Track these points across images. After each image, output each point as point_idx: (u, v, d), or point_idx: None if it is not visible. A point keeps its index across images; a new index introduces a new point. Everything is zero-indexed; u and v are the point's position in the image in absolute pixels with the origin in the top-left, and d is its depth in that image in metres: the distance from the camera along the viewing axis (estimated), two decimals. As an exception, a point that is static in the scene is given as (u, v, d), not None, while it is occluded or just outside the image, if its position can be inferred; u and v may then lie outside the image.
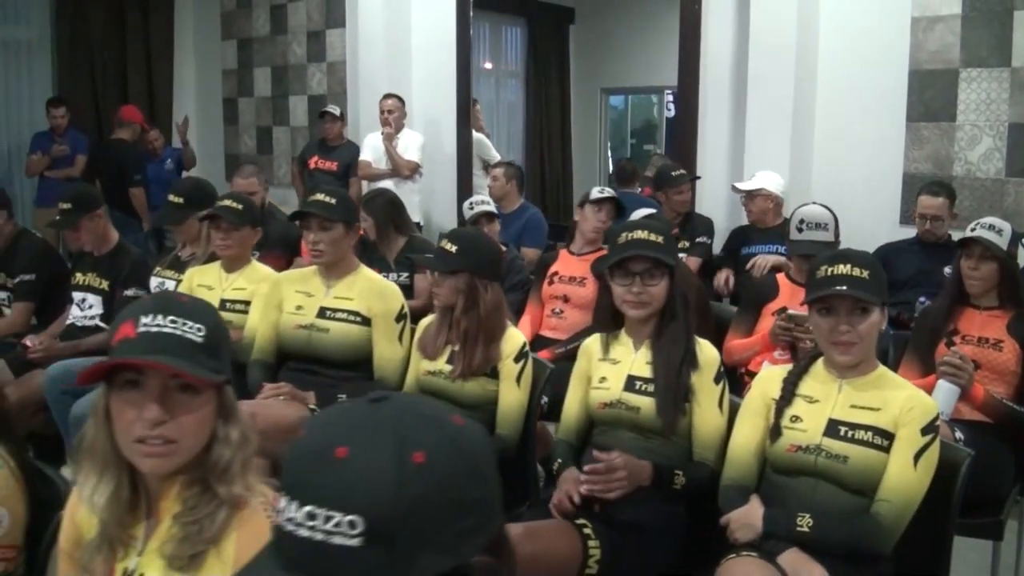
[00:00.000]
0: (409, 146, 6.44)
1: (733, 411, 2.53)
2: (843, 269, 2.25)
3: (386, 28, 6.93)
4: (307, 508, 0.84)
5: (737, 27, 5.53)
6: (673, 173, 5.09)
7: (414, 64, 6.97)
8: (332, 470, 0.85)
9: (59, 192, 7.40)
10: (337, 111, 6.98)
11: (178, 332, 1.43)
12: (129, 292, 4.16)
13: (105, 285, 4.24)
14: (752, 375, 3.42)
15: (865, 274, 2.25)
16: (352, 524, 0.83)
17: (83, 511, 1.56)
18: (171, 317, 1.44)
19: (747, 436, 2.39)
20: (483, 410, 2.84)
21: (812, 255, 3.46)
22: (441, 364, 2.94)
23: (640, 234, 2.57)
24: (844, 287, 2.23)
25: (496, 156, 7.23)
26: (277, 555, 0.87)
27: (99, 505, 1.48)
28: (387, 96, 6.47)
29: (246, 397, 3.22)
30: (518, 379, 2.84)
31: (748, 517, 2.24)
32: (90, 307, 4.26)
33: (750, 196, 4.86)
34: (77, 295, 4.31)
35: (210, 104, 9.01)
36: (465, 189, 6.88)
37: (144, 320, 1.43)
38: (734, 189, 5.05)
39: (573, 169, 11.33)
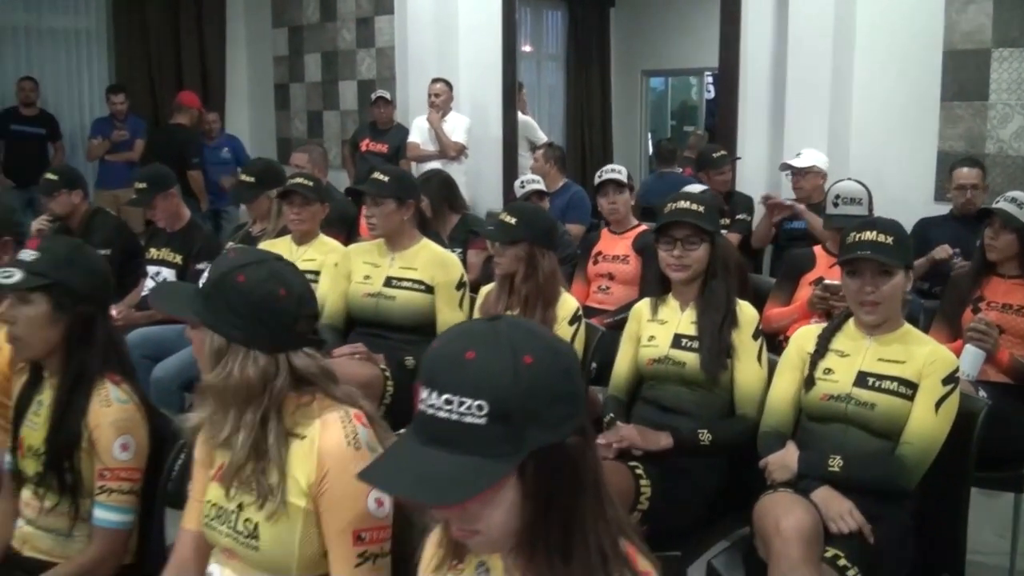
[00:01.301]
0: (456, 128, 6.69)
1: (772, 368, 2.77)
2: (869, 235, 2.47)
3: (434, 14, 7.17)
4: (445, 396, 1.11)
5: (776, 9, 5.71)
6: (715, 155, 5.29)
7: (461, 48, 7.18)
8: (464, 368, 1.12)
9: (119, 175, 7.79)
10: (389, 96, 7.26)
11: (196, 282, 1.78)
12: (200, 266, 4.44)
13: (179, 259, 4.52)
14: (790, 341, 3.64)
15: (889, 240, 2.46)
16: (480, 407, 1.10)
17: None
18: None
19: (784, 387, 2.62)
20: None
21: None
22: (501, 328, 3.18)
23: (683, 204, 2.81)
24: (868, 252, 2.45)
25: (543, 137, 7.47)
26: (418, 433, 1.13)
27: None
28: (435, 80, 6.72)
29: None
30: (572, 340, 3.08)
31: (784, 459, 2.48)
32: (164, 280, 4.55)
33: (801, 174, 5.02)
34: (151, 268, 4.59)
35: (262, 90, 9.32)
36: (511, 170, 7.13)
37: None
38: (784, 167, 5.19)
39: (614, 151, 11.50)
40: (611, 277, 4.34)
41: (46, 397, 2.16)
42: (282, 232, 4.22)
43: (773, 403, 2.64)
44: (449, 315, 3.53)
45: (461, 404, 1.10)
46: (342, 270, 3.69)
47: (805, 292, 3.75)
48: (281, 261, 1.80)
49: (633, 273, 4.28)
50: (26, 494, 2.18)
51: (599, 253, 4.44)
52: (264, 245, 4.11)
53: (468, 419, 1.10)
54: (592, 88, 11.33)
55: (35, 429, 2.16)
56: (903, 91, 5.38)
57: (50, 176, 4.92)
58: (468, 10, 7.17)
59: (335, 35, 8.44)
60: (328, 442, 1.65)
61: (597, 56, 11.35)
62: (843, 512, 2.33)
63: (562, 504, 1.16)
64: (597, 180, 4.48)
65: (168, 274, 4.54)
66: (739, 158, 5.70)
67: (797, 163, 5.07)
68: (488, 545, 1.21)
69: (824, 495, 2.37)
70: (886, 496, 2.40)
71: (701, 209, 2.79)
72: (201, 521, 1.80)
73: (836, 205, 3.82)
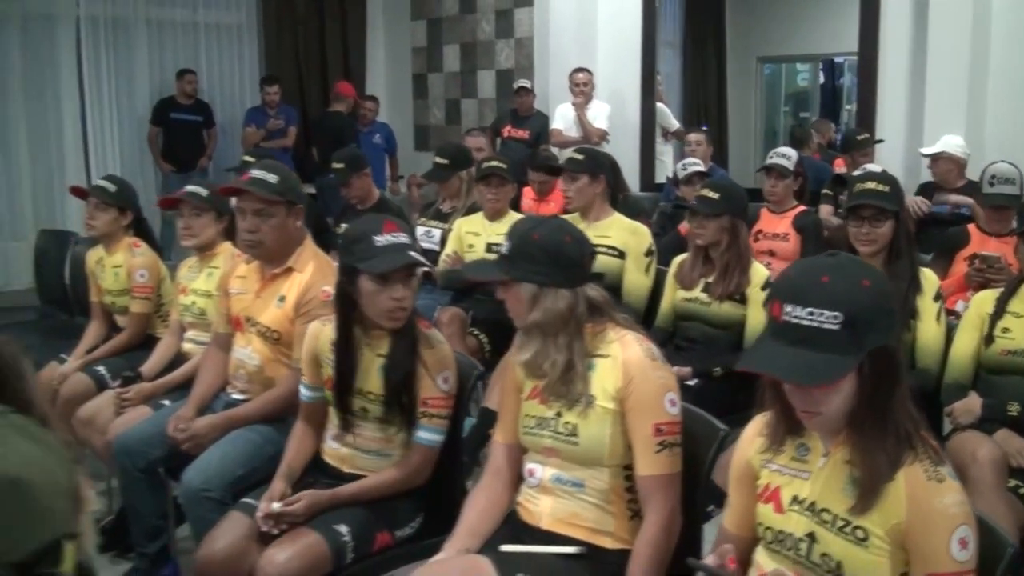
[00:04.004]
0: (598, 115, 7.08)
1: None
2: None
3: (576, 5, 7.53)
4: (808, 309, 1.53)
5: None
6: (859, 137, 5.61)
7: (599, 37, 7.50)
8: (822, 288, 1.54)
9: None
10: (529, 84, 7.69)
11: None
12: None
13: (371, 234, 5.00)
14: (949, 312, 3.95)
15: None
16: (835, 317, 1.52)
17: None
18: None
19: (965, 344, 2.98)
20: (731, 330, 3.48)
21: (1002, 206, 4.02)
22: (697, 292, 3.58)
23: (870, 185, 3.17)
24: None
25: (675, 123, 7.84)
26: (780, 337, 1.55)
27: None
28: (579, 70, 7.11)
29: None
30: (765, 305, 3.45)
31: (968, 406, 2.85)
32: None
33: (934, 159, 5.29)
34: (344, 243, 5.09)
35: (400, 80, 9.78)
36: (648, 155, 7.50)
37: None
38: (922, 155, 5.48)
39: (729, 137, 11.72)
40: (772, 254, 4.66)
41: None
42: (470, 210, 4.68)
43: (955, 358, 3.00)
44: (636, 278, 3.96)
45: (821, 315, 1.52)
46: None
47: (960, 267, 4.06)
48: (558, 217, 2.24)
49: (793, 250, 4.60)
50: (336, 421, 2.60)
51: (759, 231, 4.77)
52: (460, 222, 4.57)
53: (826, 326, 1.52)
54: (708, 75, 11.56)
55: (331, 367, 2.57)
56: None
57: (247, 159, 5.45)
58: (608, 0, 7.49)
59: (474, 27, 8.85)
60: (631, 356, 2.11)
61: (713, 43, 11.57)
62: (1022, 449, 2.71)
63: (883, 393, 1.58)
64: (767, 161, 4.83)
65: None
66: (882, 140, 5.98)
67: (926, 150, 5.36)
68: (823, 424, 1.63)
69: (1004, 435, 2.75)
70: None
71: (887, 189, 3.15)
72: (515, 434, 2.26)
73: (992, 185, 4.13)
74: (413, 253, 2.49)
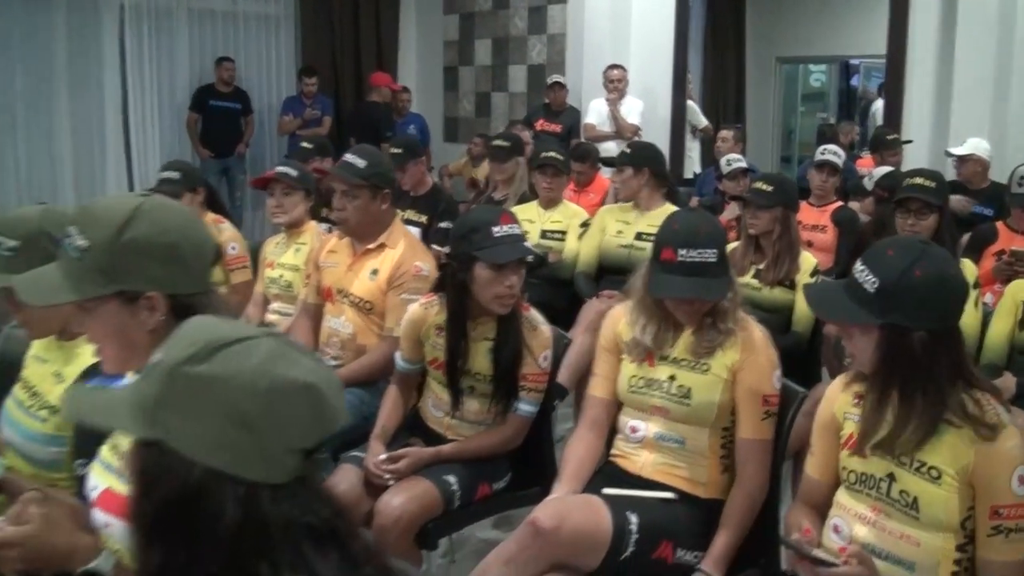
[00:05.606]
0: (631, 111, 7.33)
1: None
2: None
3: (610, 3, 7.77)
4: (863, 267, 1.87)
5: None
6: (888, 137, 5.87)
7: (633, 35, 7.74)
8: (881, 257, 1.90)
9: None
10: (563, 80, 7.94)
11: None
12: (443, 224, 5.16)
13: (424, 219, 5.23)
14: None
15: None
16: (873, 282, 1.85)
17: (621, 326, 2.54)
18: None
19: (1000, 328, 3.25)
20: (780, 314, 3.72)
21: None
22: (748, 279, 3.81)
23: (917, 180, 3.44)
24: None
25: (703, 120, 8.10)
26: (846, 290, 1.86)
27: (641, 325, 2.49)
28: (613, 67, 7.37)
29: (576, 302, 4.24)
30: None
31: (1005, 384, 3.11)
32: (408, 236, 5.29)
33: (962, 160, 5.54)
34: (398, 228, 5.34)
35: (431, 72, 10.00)
36: (678, 151, 7.75)
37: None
38: (947, 154, 5.72)
39: (747, 136, 11.91)
40: (810, 244, 4.89)
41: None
42: (522, 199, 4.94)
43: (991, 341, 3.27)
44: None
45: (868, 275, 1.85)
46: (597, 226, 4.42)
47: (988, 262, 4.31)
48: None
49: (830, 241, 4.88)
50: (444, 396, 2.81)
51: (799, 222, 5.02)
52: (512, 210, 4.81)
53: (866, 284, 1.85)
54: (727, 74, 11.77)
55: (439, 349, 2.77)
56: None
57: (305, 145, 5.69)
58: (642, -1, 7.74)
59: (507, 22, 9.07)
60: (752, 334, 2.40)
61: (733, 42, 11.81)
62: (1055, 422, 2.97)
63: (899, 366, 1.87)
64: (819, 157, 5.11)
65: (414, 232, 5.27)
66: (911, 141, 6.23)
67: (956, 151, 5.61)
68: (857, 365, 1.97)
69: (1039, 410, 3.02)
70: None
71: (932, 185, 3.42)
72: (612, 391, 2.52)
73: (1021, 185, 4.37)
74: (527, 244, 2.69)
